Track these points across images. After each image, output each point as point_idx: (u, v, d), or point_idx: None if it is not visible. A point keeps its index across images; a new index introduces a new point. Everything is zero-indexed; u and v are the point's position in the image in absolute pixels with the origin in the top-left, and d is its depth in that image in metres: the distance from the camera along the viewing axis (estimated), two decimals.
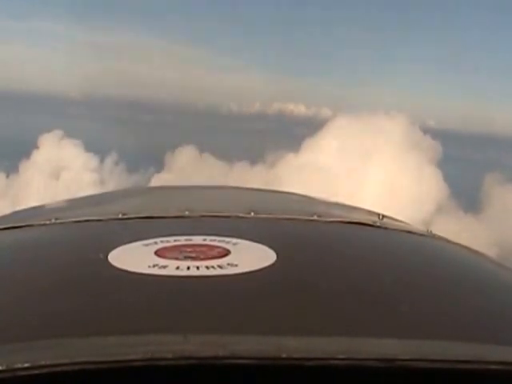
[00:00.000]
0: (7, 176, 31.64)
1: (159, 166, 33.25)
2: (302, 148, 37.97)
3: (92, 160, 34.60)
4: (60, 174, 32.60)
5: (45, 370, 0.74)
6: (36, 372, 0.74)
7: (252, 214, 1.55)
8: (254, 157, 38.35)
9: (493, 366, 0.82)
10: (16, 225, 1.55)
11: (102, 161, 34.71)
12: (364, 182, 31.55)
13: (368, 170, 32.39)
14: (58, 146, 34.00)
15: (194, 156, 36.00)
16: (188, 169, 32.98)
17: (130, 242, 1.23)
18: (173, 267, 1.08)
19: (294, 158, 37.14)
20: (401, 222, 1.87)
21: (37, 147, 33.49)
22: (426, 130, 36.53)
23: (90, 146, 35.12)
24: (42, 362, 0.75)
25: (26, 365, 0.75)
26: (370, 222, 1.61)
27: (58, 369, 0.74)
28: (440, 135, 36.43)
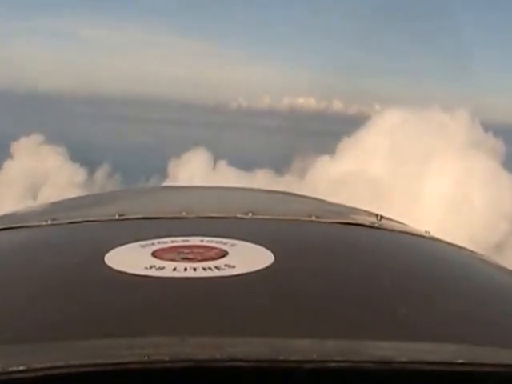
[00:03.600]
0: None
1: (162, 177, 26.77)
2: (337, 150, 31.05)
3: (79, 172, 28.38)
4: (38, 190, 26.39)
5: (40, 373, 0.78)
6: (31, 375, 0.78)
7: (250, 214, 1.62)
8: (278, 162, 31.75)
9: (490, 369, 0.88)
10: (11, 226, 1.63)
11: (91, 172, 28.56)
12: (422, 194, 24.76)
13: (426, 178, 25.81)
14: (36, 154, 27.74)
15: (205, 162, 29.61)
16: (198, 179, 26.53)
17: (127, 243, 1.31)
18: (170, 268, 1.14)
19: (329, 163, 30.30)
20: (399, 223, 1.95)
21: (10, 156, 27.22)
22: (487, 127, 29.94)
23: (77, 154, 28.79)
24: (38, 365, 0.79)
25: (22, 367, 0.79)
26: (369, 223, 1.70)
27: (54, 371, 0.79)
28: (503, 133, 29.97)
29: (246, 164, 29.88)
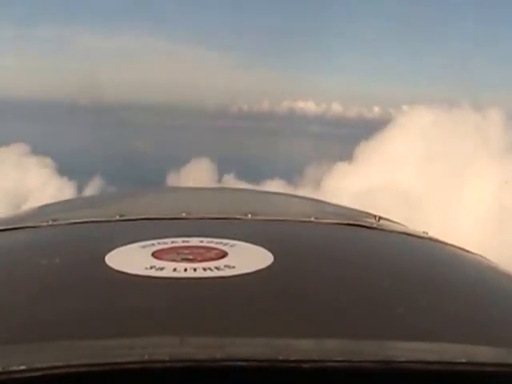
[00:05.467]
0: None
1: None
2: (355, 156, 27.83)
3: (67, 186, 24.90)
4: (20, 207, 22.74)
5: (40, 373, 0.81)
6: (32, 374, 0.80)
7: (249, 215, 1.65)
8: (290, 170, 28.37)
9: (490, 368, 0.90)
10: (12, 226, 1.66)
11: (81, 187, 24.98)
12: (460, 207, 22.57)
13: (463, 187, 22.54)
14: (19, 166, 24.45)
15: (209, 174, 26.22)
16: None
17: (127, 243, 1.34)
18: (170, 269, 1.17)
19: (348, 171, 27.02)
20: (398, 223, 1.98)
21: None
22: None
23: (66, 165, 25.43)
24: (38, 365, 0.81)
25: (22, 367, 0.81)
26: (367, 224, 1.72)
27: (54, 371, 0.81)
28: None
29: (254, 174, 26.52)
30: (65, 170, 26.51)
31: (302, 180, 27.60)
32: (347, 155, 27.57)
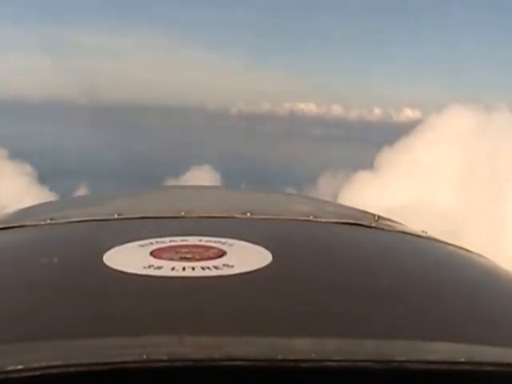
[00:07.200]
0: None
1: None
2: (377, 164, 24.72)
3: (48, 198, 21.45)
4: None
5: (38, 372, 0.81)
6: (30, 374, 0.81)
7: (248, 214, 1.65)
8: (300, 179, 25.17)
9: (489, 368, 0.91)
10: (9, 225, 1.65)
11: (64, 197, 21.46)
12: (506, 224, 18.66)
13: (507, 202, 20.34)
14: None
15: (211, 180, 23.12)
16: None
17: (126, 242, 1.34)
18: (168, 268, 1.18)
19: (368, 181, 23.88)
20: (396, 222, 1.94)
21: None
22: None
23: (48, 173, 22.26)
24: (36, 364, 0.82)
25: (20, 367, 0.81)
26: (366, 223, 1.72)
27: (52, 371, 0.81)
28: None
29: (262, 184, 23.14)
30: (46, 178, 23.59)
31: (317, 191, 24.45)
32: (367, 162, 24.43)
